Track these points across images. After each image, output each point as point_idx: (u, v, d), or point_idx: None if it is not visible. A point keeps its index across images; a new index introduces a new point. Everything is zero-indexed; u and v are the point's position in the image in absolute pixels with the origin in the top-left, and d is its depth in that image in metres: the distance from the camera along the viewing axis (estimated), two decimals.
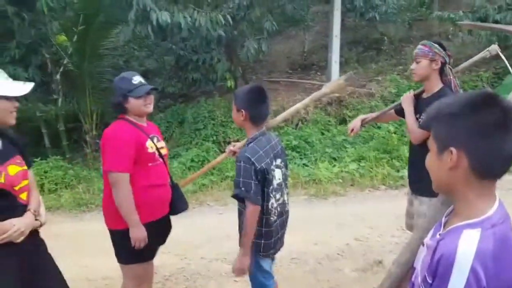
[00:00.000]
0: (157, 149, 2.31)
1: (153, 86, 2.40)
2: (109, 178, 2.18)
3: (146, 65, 9.29)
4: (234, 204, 4.78)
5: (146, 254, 2.28)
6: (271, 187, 2.15)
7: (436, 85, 2.41)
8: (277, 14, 7.45)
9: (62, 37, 7.33)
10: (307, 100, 2.89)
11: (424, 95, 2.50)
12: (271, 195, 2.16)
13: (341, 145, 6.30)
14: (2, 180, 1.73)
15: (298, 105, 2.88)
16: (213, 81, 7.65)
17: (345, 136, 6.40)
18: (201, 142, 6.68)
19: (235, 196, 2.12)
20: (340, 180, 5.44)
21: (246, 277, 2.54)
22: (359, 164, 5.73)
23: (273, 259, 2.42)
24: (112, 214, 2.22)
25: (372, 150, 5.97)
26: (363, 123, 2.83)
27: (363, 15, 8.08)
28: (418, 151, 2.47)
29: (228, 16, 5.89)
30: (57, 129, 6.90)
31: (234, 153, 2.62)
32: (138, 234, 2.17)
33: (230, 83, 7.03)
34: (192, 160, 6.02)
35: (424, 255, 1.05)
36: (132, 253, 2.20)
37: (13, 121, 1.81)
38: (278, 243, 2.30)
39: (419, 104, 2.49)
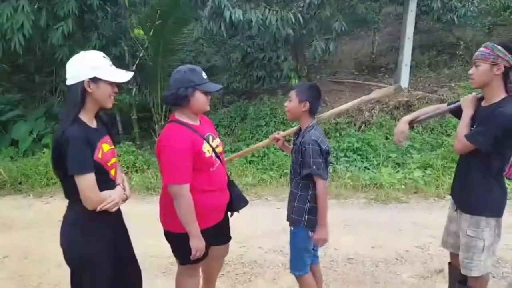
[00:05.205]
0: (213, 150, 2.24)
1: (222, 86, 2.34)
2: (170, 190, 2.10)
3: (212, 61, 9.61)
4: None
5: (201, 256, 2.26)
6: (330, 168, 2.35)
7: (497, 93, 2.10)
8: (347, 14, 7.33)
9: (139, 31, 7.79)
10: (355, 101, 2.83)
11: (483, 104, 2.18)
12: (331, 175, 2.32)
13: (406, 151, 6.07)
14: (100, 156, 1.89)
15: (346, 105, 2.84)
16: (277, 79, 7.72)
17: (411, 142, 6.17)
18: (262, 138, 6.77)
19: (306, 176, 2.30)
20: (403, 187, 5.25)
21: None
22: (424, 172, 5.49)
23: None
24: (170, 218, 2.19)
25: (439, 158, 5.69)
26: (412, 124, 2.46)
27: (440, 17, 7.68)
28: (467, 163, 2.24)
29: (299, 15, 5.93)
30: (129, 117, 7.36)
31: (278, 140, 2.69)
32: (198, 245, 2.16)
33: (294, 81, 7.04)
34: (253, 155, 6.14)
35: None
36: (189, 256, 2.20)
37: (110, 105, 1.95)
38: None
39: (477, 113, 2.19)
